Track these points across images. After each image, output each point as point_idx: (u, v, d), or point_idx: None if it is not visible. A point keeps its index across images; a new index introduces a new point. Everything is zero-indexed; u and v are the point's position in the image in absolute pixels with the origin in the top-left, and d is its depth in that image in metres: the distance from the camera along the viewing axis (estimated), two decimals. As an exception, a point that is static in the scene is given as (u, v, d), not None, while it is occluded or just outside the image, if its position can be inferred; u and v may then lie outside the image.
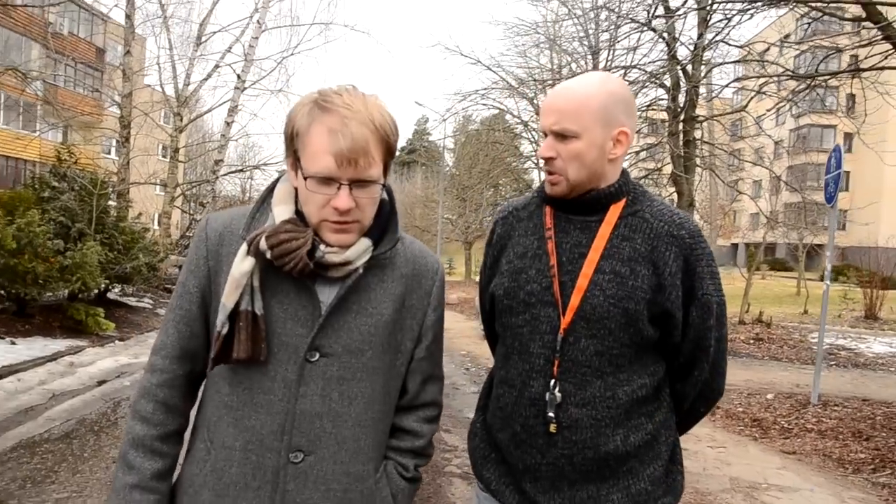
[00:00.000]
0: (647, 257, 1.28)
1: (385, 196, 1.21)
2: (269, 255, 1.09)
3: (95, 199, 10.07)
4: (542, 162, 1.33)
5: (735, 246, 29.26)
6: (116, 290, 12.10)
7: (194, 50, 18.45)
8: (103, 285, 10.44)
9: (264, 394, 1.14)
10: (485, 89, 18.22)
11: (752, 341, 12.19)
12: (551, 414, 1.26)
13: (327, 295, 1.15)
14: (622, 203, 1.33)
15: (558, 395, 1.26)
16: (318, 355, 1.14)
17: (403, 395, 1.28)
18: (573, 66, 16.63)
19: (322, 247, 1.11)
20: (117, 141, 18.48)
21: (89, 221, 9.95)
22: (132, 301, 12.45)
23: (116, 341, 9.15)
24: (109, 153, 27.34)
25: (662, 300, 1.27)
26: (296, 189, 1.16)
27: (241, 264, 1.11)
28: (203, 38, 18.40)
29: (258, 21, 17.22)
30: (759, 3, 7.95)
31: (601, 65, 15.22)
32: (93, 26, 29.22)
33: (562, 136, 1.27)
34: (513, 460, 1.33)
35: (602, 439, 1.26)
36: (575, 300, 1.28)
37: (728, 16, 9.69)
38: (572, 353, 1.27)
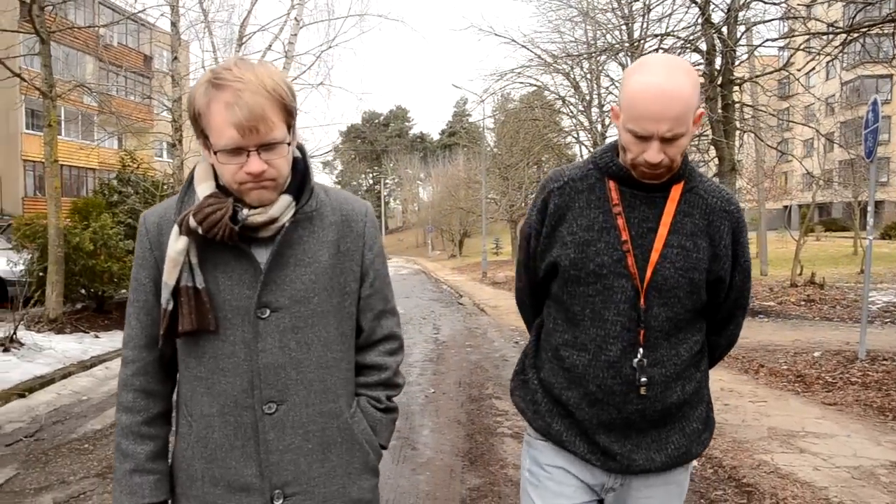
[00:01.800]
0: (704, 231, 1.41)
1: (297, 154, 1.27)
2: (200, 230, 1.15)
3: (158, 199, 10.76)
4: (637, 160, 1.36)
5: (788, 208, 28.42)
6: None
7: (236, 51, 19.10)
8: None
9: (228, 357, 1.20)
10: (521, 67, 18.24)
11: (802, 303, 12.08)
12: (644, 378, 1.37)
13: (265, 255, 1.21)
14: (682, 182, 1.42)
15: (645, 361, 1.38)
16: (268, 311, 1.20)
17: (360, 334, 1.35)
18: (608, 37, 16.51)
19: (244, 211, 1.18)
20: (170, 144, 19.44)
21: (154, 222, 10.66)
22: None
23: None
24: (162, 156, 28.59)
25: (718, 268, 1.42)
26: (213, 166, 1.22)
27: (176, 244, 1.18)
28: (244, 39, 19.03)
29: (296, 18, 17.70)
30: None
31: (636, 33, 15.09)
32: (139, 35, 30.40)
33: (671, 139, 1.30)
34: (584, 416, 1.43)
35: (668, 392, 1.40)
36: (648, 272, 1.38)
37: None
38: (647, 320, 1.38)
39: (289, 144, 1.19)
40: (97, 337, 8.30)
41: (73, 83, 11.21)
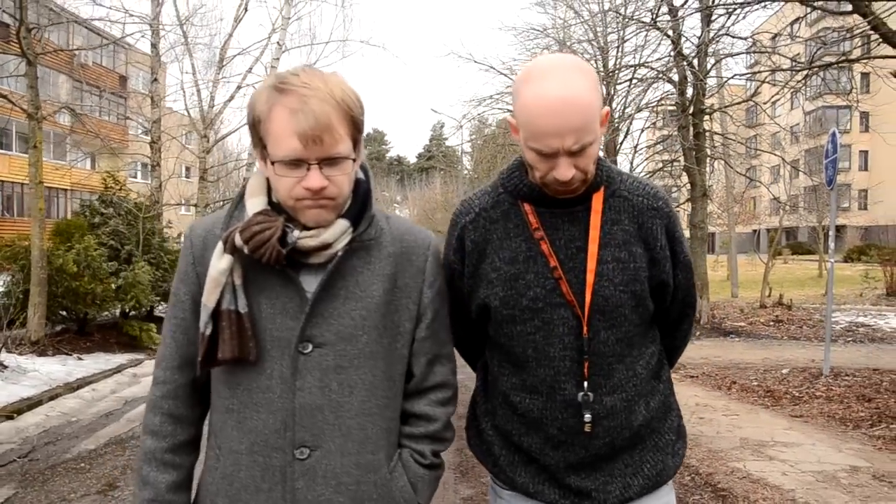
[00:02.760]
0: (636, 236, 1.29)
1: (361, 175, 1.18)
2: (245, 250, 1.07)
3: (141, 222, 10.81)
4: (546, 178, 1.23)
5: (756, 232, 29.33)
6: (161, 307, 12.86)
7: (217, 73, 19.27)
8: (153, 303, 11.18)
9: (262, 392, 1.11)
10: (499, 94, 18.71)
11: (771, 323, 12.51)
12: (588, 415, 1.25)
13: (313, 284, 1.11)
14: (602, 188, 1.29)
15: (591, 394, 1.26)
16: (310, 346, 1.11)
17: (410, 379, 1.24)
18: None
19: (295, 232, 1.09)
20: (147, 165, 19.40)
21: (137, 243, 10.70)
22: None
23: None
24: (136, 177, 28.42)
25: (658, 273, 1.30)
26: (268, 179, 1.14)
27: (219, 263, 1.09)
28: (224, 62, 19.21)
29: (278, 42, 17.97)
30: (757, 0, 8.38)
31: (611, 62, 15.67)
32: (115, 55, 30.37)
33: (579, 151, 1.17)
34: (549, 461, 1.31)
35: (633, 416, 1.29)
36: (587, 296, 1.25)
37: (729, 11, 10.15)
38: (596, 347, 1.26)
39: (353, 161, 1.10)
40: (80, 359, 8.28)
41: (57, 105, 11.25)
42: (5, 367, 6.80)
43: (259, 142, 1.09)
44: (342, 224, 1.11)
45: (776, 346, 9.75)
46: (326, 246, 1.10)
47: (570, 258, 1.27)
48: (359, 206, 1.15)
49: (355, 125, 1.09)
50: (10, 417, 5.55)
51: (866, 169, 40.59)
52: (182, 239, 1.22)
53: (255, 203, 1.13)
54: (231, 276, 1.09)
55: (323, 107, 1.03)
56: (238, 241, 1.07)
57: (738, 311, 14.41)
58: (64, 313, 9.37)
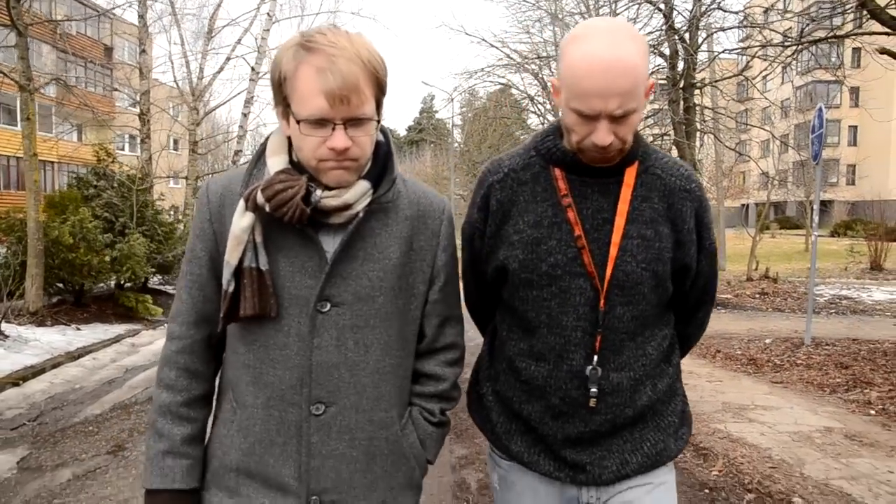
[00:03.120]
0: (664, 215, 1.27)
1: (381, 137, 1.18)
2: (267, 208, 1.07)
3: (135, 194, 10.83)
4: (584, 143, 1.20)
5: (745, 206, 29.64)
6: (155, 279, 12.94)
7: (205, 44, 19.06)
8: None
9: (279, 349, 1.13)
10: (490, 66, 18.68)
11: (757, 295, 12.80)
12: (594, 389, 1.24)
13: (332, 244, 1.13)
14: (636, 162, 1.28)
15: (599, 369, 1.25)
16: (328, 305, 1.12)
17: (422, 340, 1.26)
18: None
19: (318, 192, 1.09)
20: (135, 137, 19.25)
21: (131, 215, 10.73)
22: (171, 289, 13.29)
23: (167, 324, 10.00)
24: (123, 149, 28.17)
25: (682, 255, 1.28)
26: (289, 139, 1.14)
27: (241, 220, 1.09)
28: (214, 33, 18.98)
29: (268, 13, 17.77)
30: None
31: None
32: (99, 25, 29.83)
33: (621, 117, 1.15)
34: (548, 430, 1.30)
35: (637, 395, 1.28)
36: (608, 269, 1.23)
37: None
38: (610, 322, 1.25)
39: (377, 123, 1.11)
40: (79, 329, 8.39)
41: (48, 76, 11.16)
42: (6, 336, 6.91)
43: (283, 100, 1.09)
44: (363, 185, 1.12)
45: (761, 318, 10.02)
46: (347, 206, 1.11)
47: (596, 229, 1.25)
48: (379, 167, 1.16)
49: (380, 87, 1.09)
50: (15, 384, 5.69)
51: (855, 144, 40.87)
52: (199, 195, 1.21)
53: (276, 161, 1.13)
54: (252, 234, 1.10)
55: (350, 66, 1.02)
56: (260, 198, 1.07)
57: (724, 284, 14.69)
58: (61, 285, 9.45)
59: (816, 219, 7.60)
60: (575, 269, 1.25)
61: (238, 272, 1.10)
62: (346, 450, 1.15)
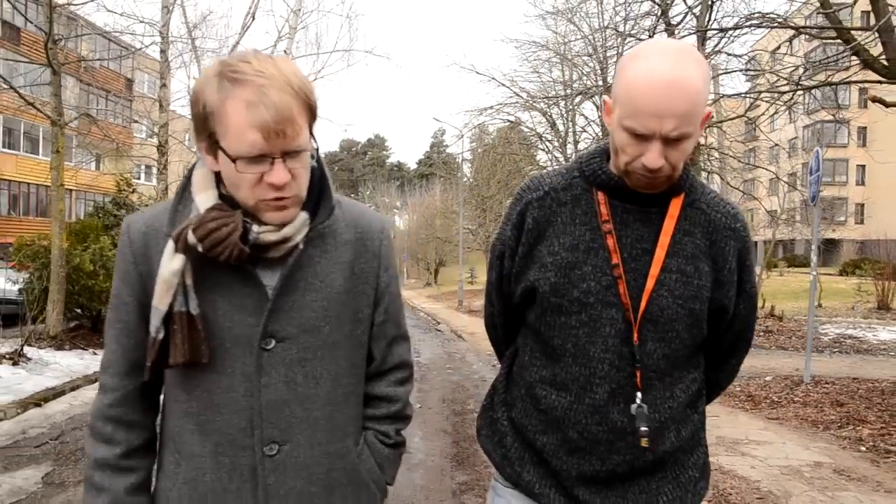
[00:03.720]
0: (706, 252, 1.22)
1: (314, 163, 1.12)
2: (200, 248, 1.02)
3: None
4: (633, 164, 1.15)
5: (755, 244, 29.77)
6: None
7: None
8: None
9: (225, 392, 1.08)
10: (499, 104, 19.16)
11: (761, 333, 12.87)
12: (644, 427, 1.17)
13: (271, 278, 1.08)
14: (682, 195, 1.23)
15: (645, 406, 1.18)
16: (273, 342, 1.08)
17: (371, 362, 1.23)
18: (585, 80, 17.55)
19: (255, 228, 1.04)
20: (151, 167, 19.81)
21: (148, 244, 11.08)
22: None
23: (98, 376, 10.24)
24: (139, 178, 28.87)
25: (721, 296, 1.23)
26: (216, 173, 1.08)
27: (171, 263, 1.03)
28: (232, 69, 19.60)
29: (285, 51, 18.41)
30: (749, 25, 8.81)
31: (609, 76, 16.11)
32: (121, 59, 30.90)
33: (675, 140, 1.11)
34: (562, 466, 1.24)
35: (661, 439, 1.21)
36: (643, 302, 1.18)
37: (723, 33, 10.57)
38: (641, 358, 1.19)
39: (309, 153, 1.06)
40: (95, 354, 8.64)
41: (77, 111, 11.67)
42: (29, 359, 7.17)
43: (207, 136, 1.02)
44: (302, 217, 1.08)
45: (764, 355, 10.10)
46: (286, 240, 1.06)
47: (634, 259, 1.21)
48: (315, 195, 1.11)
49: (312, 113, 1.04)
50: (38, 405, 5.92)
51: (863, 183, 41.02)
52: (120, 235, 1.14)
53: (205, 198, 1.07)
54: (182, 276, 1.04)
55: (282, 97, 0.97)
56: (192, 238, 1.01)
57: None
58: (79, 310, 9.75)
59: (815, 259, 7.79)
60: (608, 299, 1.20)
61: (167, 318, 1.04)
62: (305, 486, 1.12)
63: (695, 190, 1.26)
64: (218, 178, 1.08)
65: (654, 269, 1.19)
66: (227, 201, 1.07)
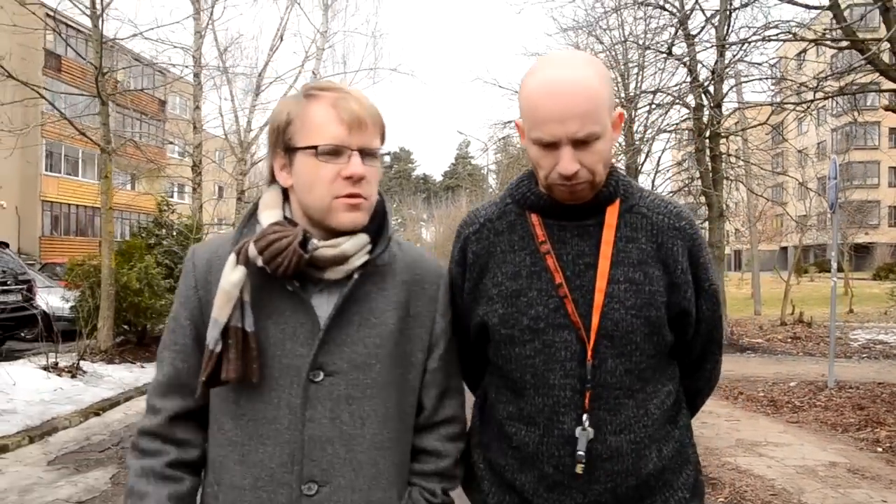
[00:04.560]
0: (654, 257, 1.19)
1: (378, 196, 1.16)
2: (260, 262, 1.03)
3: (192, 242, 11.75)
4: (551, 176, 1.14)
5: (785, 249, 29.43)
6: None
7: (253, 100, 20.42)
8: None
9: (269, 423, 1.06)
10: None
11: (789, 340, 12.91)
12: (581, 452, 1.13)
13: (325, 308, 1.08)
14: (617, 201, 1.21)
15: (591, 429, 1.14)
16: (322, 375, 1.06)
17: (421, 413, 1.19)
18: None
19: (314, 241, 1.05)
20: (185, 186, 20.63)
21: (188, 262, 11.65)
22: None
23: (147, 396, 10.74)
24: (172, 197, 29.89)
25: (679, 300, 1.20)
26: (283, 194, 1.12)
27: (232, 275, 1.04)
28: (261, 89, 20.35)
29: (313, 72, 19.04)
30: (762, 39, 9.01)
31: (631, 86, 16.33)
32: (154, 80, 32.06)
33: (584, 142, 1.10)
34: (543, 503, 1.20)
35: (643, 462, 1.17)
36: (594, 319, 1.15)
37: (743, 43, 10.76)
38: (601, 377, 1.15)
39: (381, 165, 1.12)
40: (143, 367, 9.14)
41: (123, 138, 12.32)
42: (85, 372, 7.67)
43: (284, 146, 1.08)
44: (362, 237, 1.09)
45: (790, 362, 10.17)
46: (344, 259, 1.07)
47: (578, 275, 1.18)
48: (377, 224, 1.13)
49: (382, 135, 1.12)
50: (97, 414, 6.39)
51: (896, 186, 40.25)
52: (184, 261, 1.17)
53: (269, 215, 1.10)
54: (241, 293, 1.05)
55: (361, 101, 1.07)
56: (252, 250, 1.04)
57: (757, 329, 14.79)
58: (126, 326, 10.30)
59: (835, 264, 7.92)
60: (558, 321, 1.17)
61: (225, 332, 1.04)
62: None
63: (631, 195, 1.23)
64: (284, 199, 1.14)
65: (601, 283, 1.17)
66: (290, 222, 1.10)
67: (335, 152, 1.04)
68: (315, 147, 1.04)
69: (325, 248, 1.06)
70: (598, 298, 1.16)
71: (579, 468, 1.14)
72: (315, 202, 1.07)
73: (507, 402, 1.24)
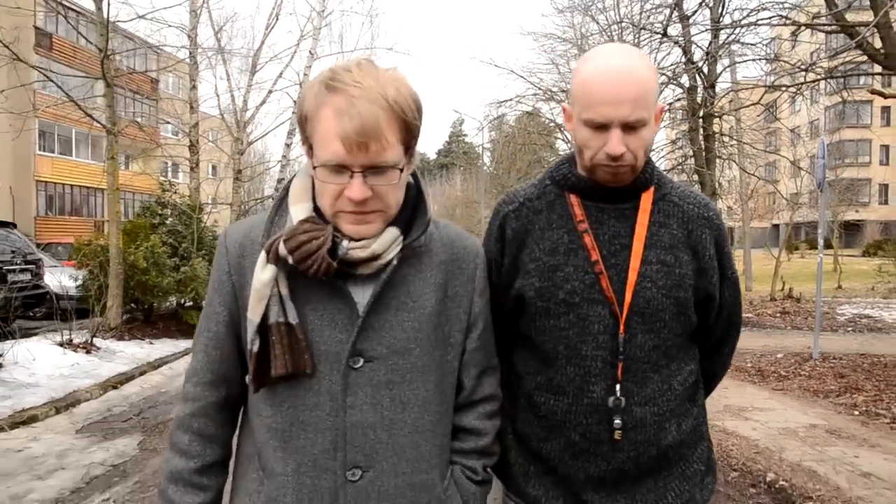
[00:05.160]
0: (684, 242, 1.26)
1: (411, 179, 1.12)
2: (290, 261, 1.01)
3: (196, 221, 11.96)
4: (597, 157, 1.20)
5: (776, 227, 29.85)
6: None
7: (249, 79, 20.45)
8: (205, 295, 12.35)
9: (310, 410, 1.06)
10: (518, 97, 19.61)
11: (778, 314, 13.30)
12: (618, 420, 1.19)
13: (362, 295, 1.07)
14: (652, 188, 1.28)
15: (623, 399, 1.20)
16: (361, 361, 1.06)
17: (460, 392, 1.20)
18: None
19: (345, 243, 1.03)
20: (178, 165, 20.76)
21: (192, 241, 11.86)
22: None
23: (183, 384, 11.03)
24: (166, 176, 29.96)
25: (705, 284, 1.26)
26: (313, 185, 1.09)
27: (262, 274, 1.03)
28: (257, 69, 20.36)
29: (310, 51, 19.07)
30: (754, 23, 9.21)
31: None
32: (146, 59, 31.83)
33: (632, 127, 1.16)
34: (568, 470, 1.25)
35: (663, 434, 1.24)
36: (627, 295, 1.21)
37: (736, 26, 10.94)
38: (631, 351, 1.21)
39: (401, 171, 1.03)
40: (151, 343, 9.43)
41: (127, 120, 12.42)
42: (98, 348, 7.94)
43: (306, 140, 1.04)
44: (392, 233, 1.06)
45: (779, 335, 10.55)
46: (376, 257, 1.05)
47: (613, 255, 1.24)
48: (409, 211, 1.11)
49: (408, 130, 1.03)
50: (115, 387, 6.66)
51: (888, 163, 40.64)
52: (217, 244, 1.15)
53: (299, 210, 1.08)
54: (277, 287, 1.04)
55: (372, 109, 0.96)
56: (283, 250, 1.02)
57: (748, 304, 15.16)
58: (133, 304, 10.55)
59: (821, 241, 8.23)
60: (593, 296, 1.23)
61: (264, 329, 1.04)
62: None
63: (664, 184, 1.31)
64: (314, 189, 1.09)
65: (635, 263, 1.23)
66: (321, 215, 1.08)
67: (336, 170, 1.00)
68: (315, 166, 1.02)
69: (355, 251, 1.04)
70: (632, 277, 1.23)
71: (617, 434, 1.21)
72: (325, 208, 1.06)
73: (537, 373, 1.30)
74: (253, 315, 1.04)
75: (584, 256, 1.25)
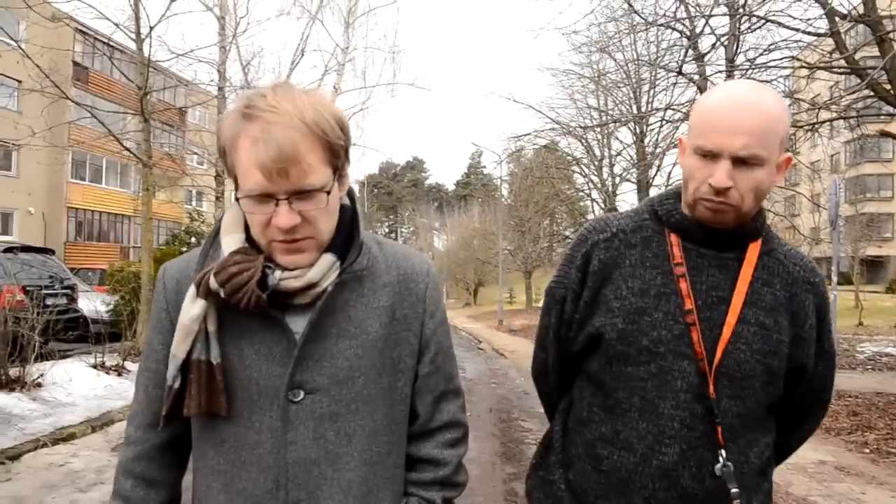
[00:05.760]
0: (786, 306, 1.17)
1: (346, 200, 1.08)
2: (222, 294, 0.98)
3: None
4: (700, 189, 1.12)
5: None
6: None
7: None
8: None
9: (252, 449, 1.02)
10: (536, 131, 20.04)
11: (796, 351, 13.26)
12: (735, 490, 1.10)
13: (300, 324, 1.02)
14: (759, 241, 1.18)
15: (730, 464, 1.11)
16: (302, 393, 1.02)
17: (415, 420, 1.15)
18: (620, 107, 18.30)
19: (277, 273, 0.99)
20: (202, 194, 21.39)
21: (218, 269, 12.28)
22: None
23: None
24: (191, 203, 30.75)
25: (801, 354, 1.17)
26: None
27: (191, 308, 1.00)
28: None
29: (335, 86, 19.72)
30: (765, 65, 9.49)
31: (643, 105, 16.84)
32: (175, 91, 32.92)
33: (744, 163, 1.07)
34: None
35: None
36: (717, 354, 1.11)
37: (750, 67, 11.23)
38: (718, 412, 1.11)
39: (328, 193, 0.99)
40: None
41: (161, 152, 12.99)
42: (129, 371, 8.26)
43: (230, 171, 1.01)
44: (327, 259, 1.02)
45: (795, 372, 10.56)
46: (312, 286, 1.01)
47: (709, 307, 1.14)
48: (345, 235, 1.06)
49: (332, 150, 0.99)
50: (145, 410, 6.96)
51: (910, 198, 40.25)
52: (156, 281, 1.11)
53: (230, 241, 1.04)
54: (205, 323, 1.01)
55: (288, 134, 0.93)
56: (213, 283, 0.99)
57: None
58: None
59: (835, 279, 8.34)
60: (680, 349, 1.13)
61: (186, 366, 1.01)
62: None
63: (772, 239, 1.22)
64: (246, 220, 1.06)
65: (731, 318, 1.13)
66: (254, 245, 1.04)
67: (260, 199, 0.96)
68: (238, 198, 1.00)
69: (288, 281, 1.00)
70: (726, 333, 1.13)
71: (737, 503, 1.10)
72: (257, 239, 1.03)
73: (602, 422, 1.20)
74: (177, 351, 1.01)
75: (677, 303, 1.15)
